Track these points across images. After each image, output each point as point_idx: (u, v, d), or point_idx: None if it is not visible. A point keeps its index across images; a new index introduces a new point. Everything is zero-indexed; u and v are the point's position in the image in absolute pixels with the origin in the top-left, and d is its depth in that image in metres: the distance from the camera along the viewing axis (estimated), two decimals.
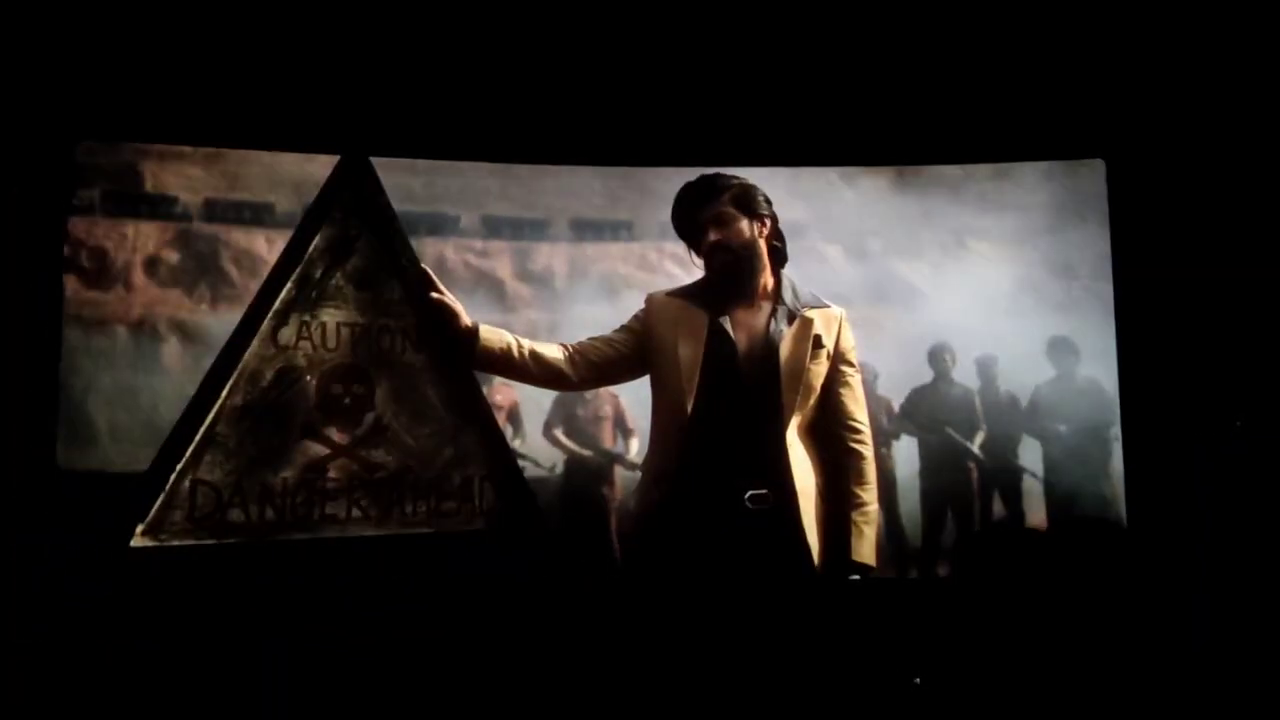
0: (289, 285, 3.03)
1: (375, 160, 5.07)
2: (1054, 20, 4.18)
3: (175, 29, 3.84)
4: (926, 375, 5.06)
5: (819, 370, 3.20)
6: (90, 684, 3.10)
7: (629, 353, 3.21)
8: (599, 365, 3.20)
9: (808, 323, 3.18)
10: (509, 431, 4.90)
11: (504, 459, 3.25)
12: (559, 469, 4.92)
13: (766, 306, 3.19)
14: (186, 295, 4.88)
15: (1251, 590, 3.68)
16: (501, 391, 4.82)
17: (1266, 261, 4.24)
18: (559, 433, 4.94)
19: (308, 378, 3.04)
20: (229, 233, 4.91)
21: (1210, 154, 4.31)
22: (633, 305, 4.73)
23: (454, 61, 4.42)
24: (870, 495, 3.21)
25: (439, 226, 5.18)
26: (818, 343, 3.18)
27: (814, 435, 3.25)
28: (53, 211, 3.60)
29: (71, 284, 4.70)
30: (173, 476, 2.87)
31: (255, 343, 2.99)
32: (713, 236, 3.14)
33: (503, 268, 5.22)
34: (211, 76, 4.02)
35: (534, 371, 3.15)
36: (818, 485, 3.20)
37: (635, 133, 4.60)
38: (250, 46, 4.07)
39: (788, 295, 3.21)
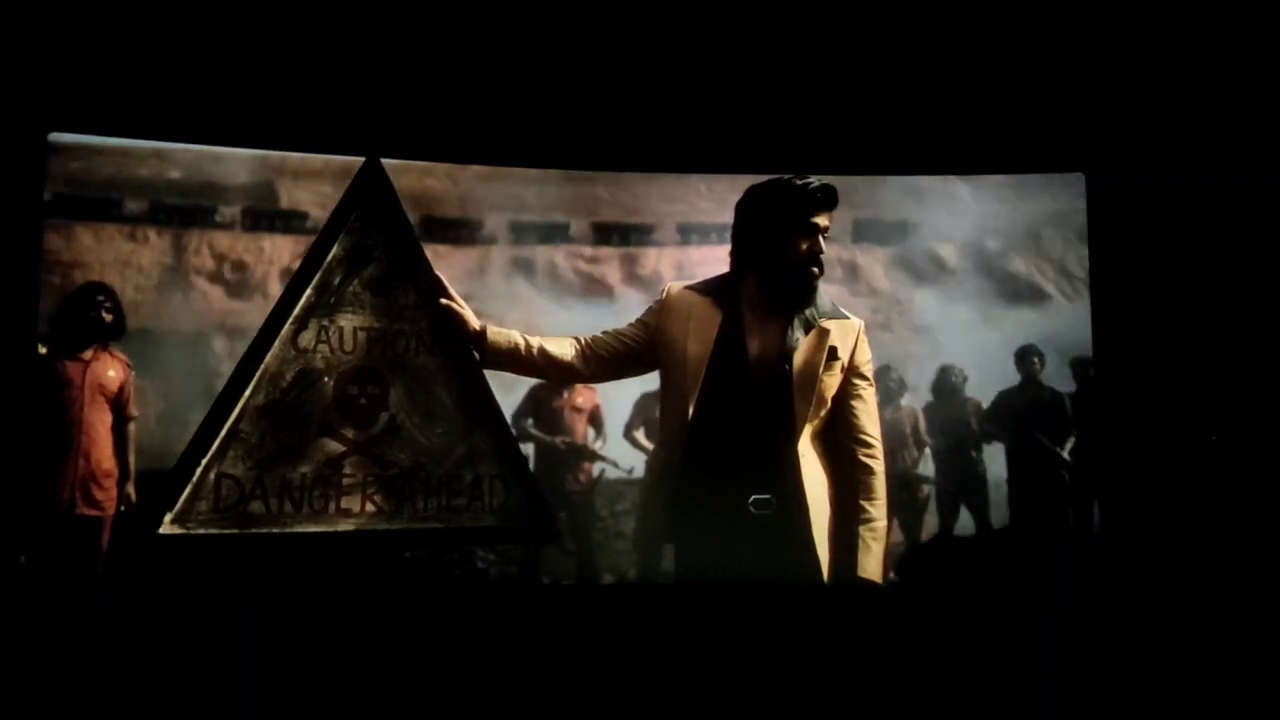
0: (309, 292, 3.26)
1: (491, 170, 5.33)
2: (1033, 33, 4.00)
3: (161, 21, 3.89)
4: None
5: (832, 382, 3.17)
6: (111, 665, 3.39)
7: (639, 347, 3.25)
8: (608, 360, 3.26)
9: (824, 333, 3.15)
10: (590, 434, 5.03)
11: (514, 458, 3.38)
12: (638, 471, 4.99)
13: (782, 314, 3.18)
14: None
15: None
16: (583, 394, 4.95)
17: (1246, 271, 4.03)
18: (639, 435, 5.01)
19: (325, 379, 3.25)
20: None
21: (1193, 166, 4.05)
22: None
23: (564, 71, 4.55)
24: (879, 511, 3.15)
25: (550, 234, 5.37)
26: (833, 354, 3.15)
27: (825, 447, 3.22)
28: (24, 206, 3.67)
29: (217, 295, 5.15)
30: (199, 469, 3.14)
31: (276, 346, 3.23)
32: (822, 248, 3.14)
33: (612, 273, 5.34)
34: (207, 71, 4.01)
35: (543, 367, 3.25)
36: (830, 498, 3.17)
37: (741, 139, 4.63)
38: (288, 45, 4.10)
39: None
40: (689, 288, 3.27)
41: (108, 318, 3.92)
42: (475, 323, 3.24)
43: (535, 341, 3.24)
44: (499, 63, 4.21)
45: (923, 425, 4.73)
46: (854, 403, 3.20)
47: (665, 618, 3.51)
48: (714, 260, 5.39)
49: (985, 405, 4.77)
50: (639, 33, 4.44)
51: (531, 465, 4.83)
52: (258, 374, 3.20)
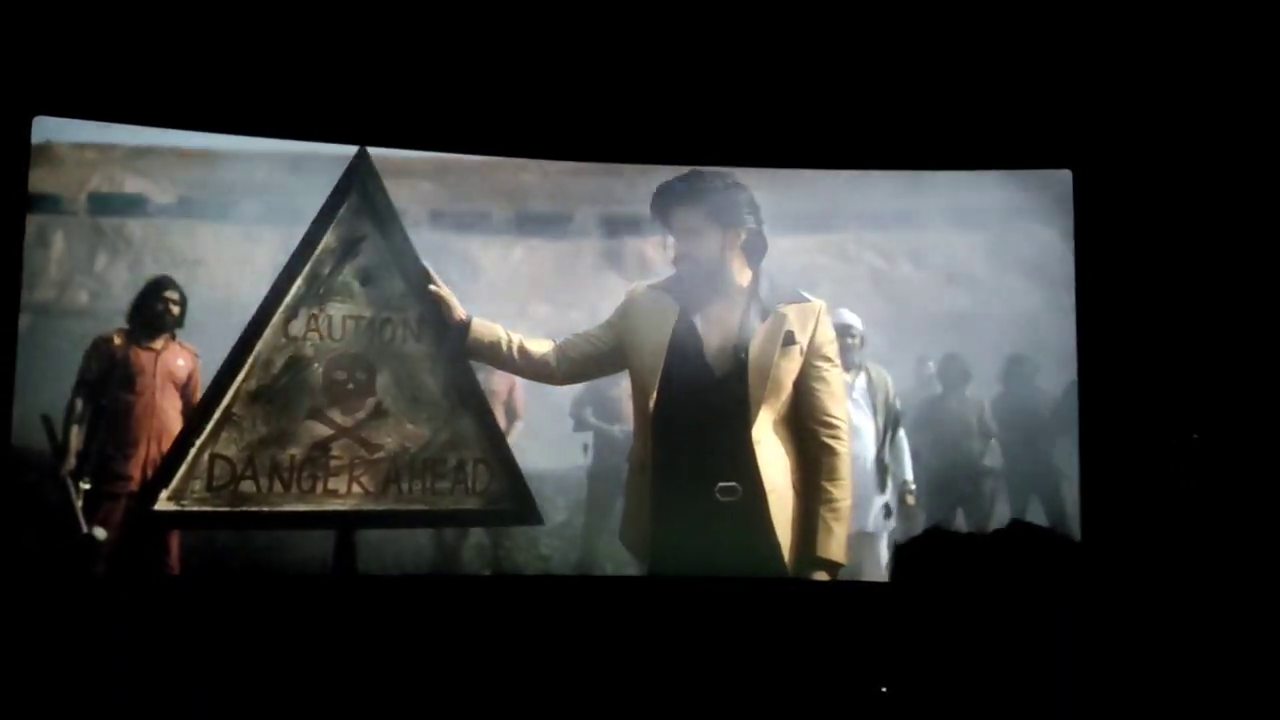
0: (299, 282, 3.42)
1: (580, 164, 5.39)
2: (1020, 29, 3.71)
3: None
4: None
5: (790, 366, 3.20)
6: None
7: (606, 348, 3.33)
8: (577, 361, 3.33)
9: (780, 318, 3.22)
10: None
11: (497, 443, 3.43)
12: None
13: (742, 302, 3.25)
14: None
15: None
16: None
17: (1233, 271, 3.77)
18: None
19: (315, 365, 3.39)
20: (450, 240, 5.39)
21: (1181, 163, 3.83)
22: (830, 296, 4.67)
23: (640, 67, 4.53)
24: (842, 491, 3.17)
25: (640, 226, 5.35)
26: (789, 339, 3.20)
27: (789, 430, 3.22)
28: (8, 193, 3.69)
29: None
30: (193, 450, 3.35)
31: (268, 333, 3.39)
32: (679, 247, 3.27)
33: None
34: (202, 58, 3.90)
35: (520, 364, 3.33)
36: (793, 481, 3.19)
37: (831, 136, 4.49)
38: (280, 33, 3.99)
39: (764, 291, 3.26)
40: (651, 286, 3.38)
41: (175, 310, 4.17)
42: (461, 312, 3.31)
43: (516, 338, 3.35)
44: (516, 52, 4.23)
45: (989, 416, 4.44)
46: (816, 384, 3.21)
47: (648, 611, 3.48)
48: (799, 250, 5.25)
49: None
50: (705, 29, 4.35)
51: (590, 453, 4.87)
52: (250, 360, 3.36)
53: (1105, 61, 3.86)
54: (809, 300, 3.19)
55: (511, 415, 4.30)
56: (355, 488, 3.33)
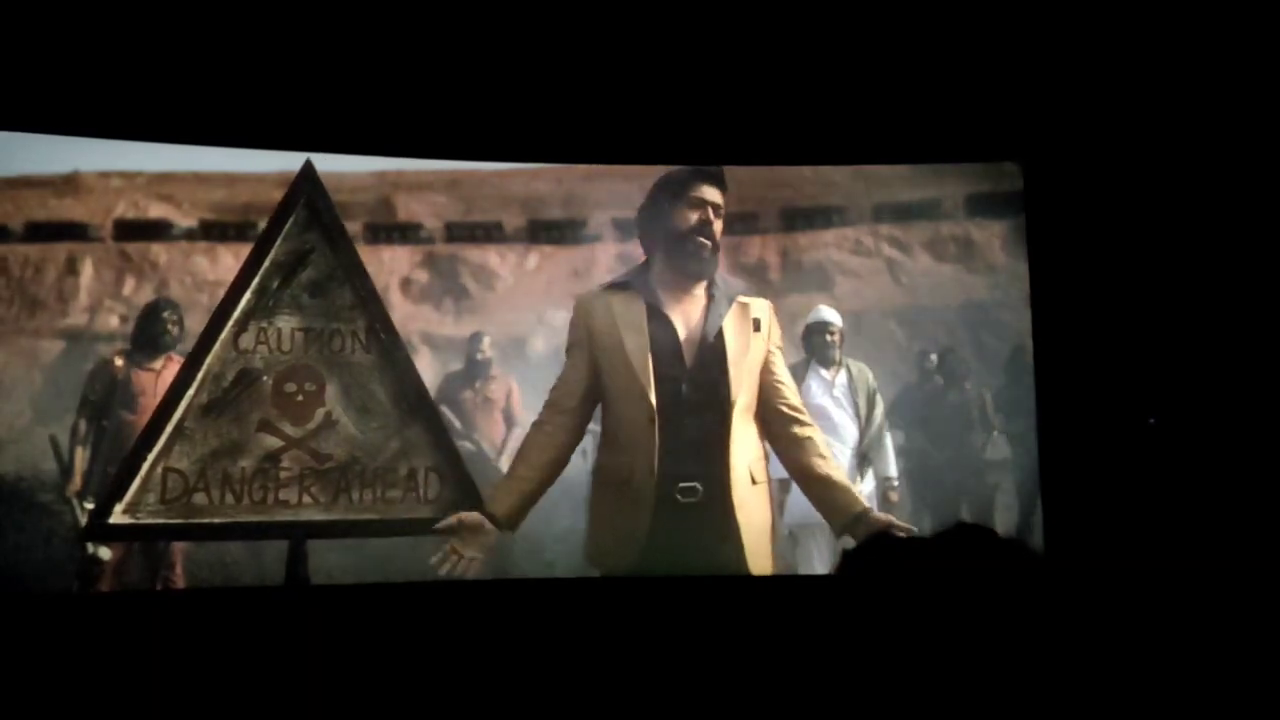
0: (248, 296, 3.42)
1: (592, 168, 5.34)
2: (969, 23, 3.58)
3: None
4: None
5: (758, 355, 3.21)
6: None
7: (587, 369, 3.27)
8: (572, 406, 3.29)
9: (745, 307, 3.23)
10: None
11: (448, 451, 3.38)
12: None
13: (701, 294, 3.24)
14: (434, 310, 5.42)
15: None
16: None
17: (1187, 262, 3.70)
18: None
19: (264, 378, 3.39)
20: (465, 251, 5.39)
21: (1132, 157, 3.77)
22: (847, 292, 4.53)
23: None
24: (833, 459, 3.22)
25: None
26: (756, 326, 3.21)
27: (758, 420, 3.24)
28: None
29: None
30: (146, 464, 3.37)
31: (217, 348, 3.41)
32: (710, 220, 3.27)
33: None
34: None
35: (551, 473, 3.37)
36: (766, 470, 3.20)
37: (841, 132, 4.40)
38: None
39: (720, 283, 3.26)
40: (604, 287, 3.37)
41: (173, 330, 4.22)
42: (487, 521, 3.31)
43: (528, 473, 3.33)
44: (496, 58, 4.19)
45: (990, 408, 4.24)
46: (778, 373, 3.23)
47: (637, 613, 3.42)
48: (822, 245, 5.10)
49: None
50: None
51: (589, 458, 4.80)
52: (200, 374, 3.38)
53: (1058, 56, 3.73)
54: (759, 298, 3.30)
55: (511, 422, 4.25)
56: (306, 498, 3.31)
